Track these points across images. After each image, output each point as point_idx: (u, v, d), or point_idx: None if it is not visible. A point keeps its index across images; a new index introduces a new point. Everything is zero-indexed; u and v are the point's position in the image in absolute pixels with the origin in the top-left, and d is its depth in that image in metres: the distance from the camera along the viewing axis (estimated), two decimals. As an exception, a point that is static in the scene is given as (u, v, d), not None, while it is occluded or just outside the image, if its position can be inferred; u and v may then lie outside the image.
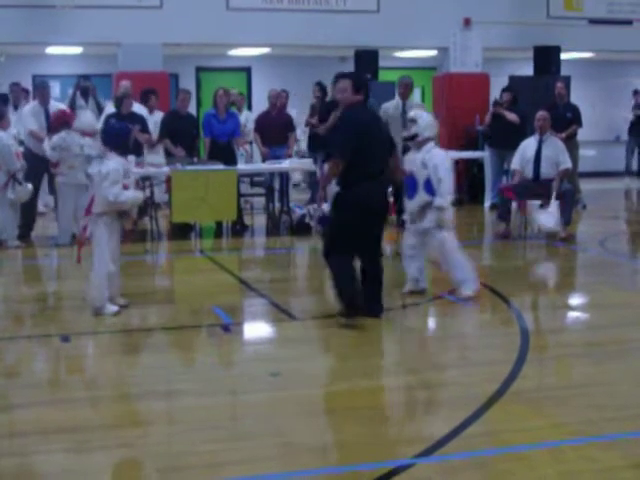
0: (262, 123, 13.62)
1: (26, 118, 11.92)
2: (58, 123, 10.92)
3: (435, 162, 7.62)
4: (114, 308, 7.34)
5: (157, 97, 13.46)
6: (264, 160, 13.39)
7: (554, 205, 10.75)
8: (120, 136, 7.49)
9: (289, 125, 13.81)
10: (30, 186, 10.86)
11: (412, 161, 7.76)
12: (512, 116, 14.06)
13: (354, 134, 6.79)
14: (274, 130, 13.47)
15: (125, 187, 7.28)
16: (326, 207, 12.23)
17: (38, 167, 11.37)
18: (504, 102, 14.38)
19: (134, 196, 7.38)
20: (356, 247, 7.00)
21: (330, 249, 7.04)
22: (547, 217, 10.77)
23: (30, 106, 12.22)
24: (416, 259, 7.95)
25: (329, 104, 12.75)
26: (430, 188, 7.62)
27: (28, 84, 16.52)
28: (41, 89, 12.12)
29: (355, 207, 6.87)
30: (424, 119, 7.78)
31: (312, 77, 14.95)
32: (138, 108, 12.64)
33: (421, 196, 7.70)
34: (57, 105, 12.12)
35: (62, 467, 4.30)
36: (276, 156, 13.08)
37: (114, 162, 7.37)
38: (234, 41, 16.31)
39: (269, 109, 13.71)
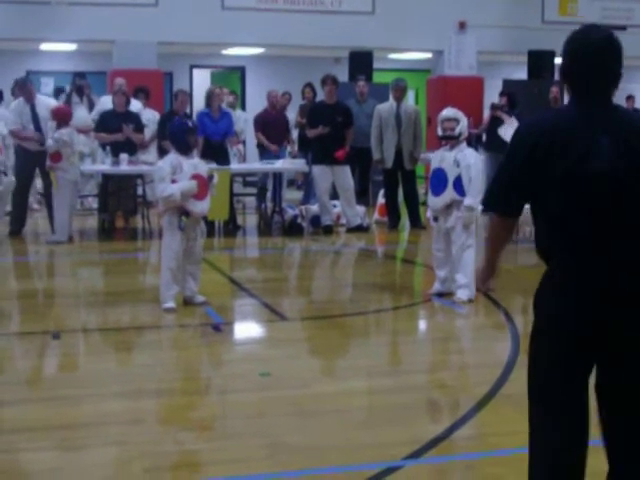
0: (263, 122, 13.56)
1: (9, 117, 11.60)
2: (60, 119, 10.82)
3: (469, 162, 7.62)
4: (167, 305, 7.35)
5: (147, 95, 13.43)
6: (260, 157, 13.35)
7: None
8: (177, 134, 7.47)
9: (287, 126, 13.80)
10: (13, 178, 10.70)
11: (441, 158, 7.76)
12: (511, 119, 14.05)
13: (521, 167, 3.20)
14: (273, 130, 13.43)
15: (174, 183, 7.27)
16: (316, 207, 12.30)
17: (29, 162, 11.29)
18: (502, 105, 14.38)
19: (178, 187, 7.20)
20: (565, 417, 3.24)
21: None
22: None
23: (15, 103, 11.87)
24: (445, 261, 7.91)
25: (318, 105, 12.73)
26: (460, 187, 7.62)
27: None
28: (23, 86, 11.69)
29: (543, 334, 3.29)
30: (463, 119, 7.80)
31: (306, 78, 14.95)
32: (135, 105, 12.61)
33: (449, 194, 7.68)
34: (48, 100, 11.96)
35: (49, 465, 4.28)
36: (276, 157, 13.05)
37: (163, 161, 7.54)
38: (229, 40, 16.30)
39: (268, 109, 13.65)
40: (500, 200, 3.31)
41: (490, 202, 3.36)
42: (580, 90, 3.25)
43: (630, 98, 19.28)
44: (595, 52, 3.20)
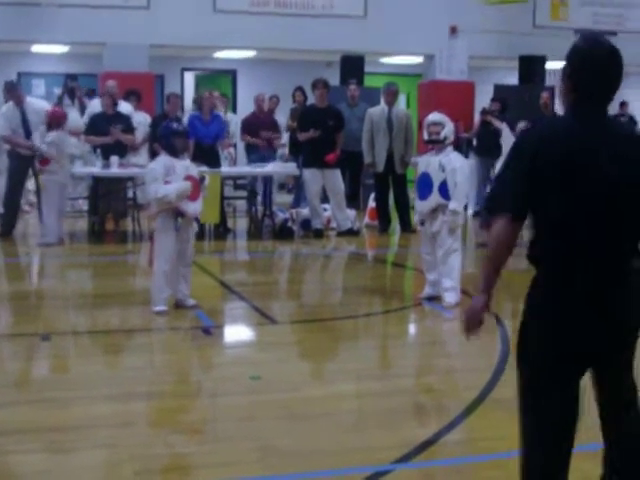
0: (250, 125, 13.56)
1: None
2: (53, 122, 10.78)
3: (454, 166, 7.65)
4: (158, 308, 7.34)
5: (138, 98, 13.42)
6: (248, 159, 13.34)
7: None
8: (166, 137, 7.45)
9: (275, 129, 13.80)
10: None
11: (427, 163, 7.78)
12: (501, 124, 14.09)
13: (522, 176, 3.22)
14: (261, 133, 13.43)
15: (167, 184, 7.24)
16: (306, 211, 12.30)
17: (21, 164, 11.26)
18: (493, 110, 14.42)
19: (174, 188, 7.20)
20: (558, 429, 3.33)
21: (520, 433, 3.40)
22: None
23: (5, 107, 11.66)
24: (434, 264, 7.91)
25: (309, 109, 12.73)
26: (445, 191, 7.63)
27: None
28: (12, 90, 11.56)
29: (540, 348, 3.35)
30: (449, 123, 7.82)
31: (297, 81, 14.96)
32: (125, 107, 12.60)
33: (435, 198, 7.69)
34: (39, 102, 11.87)
35: (38, 467, 4.27)
36: (263, 158, 13.05)
37: (155, 162, 7.57)
38: (220, 43, 16.31)
39: (256, 112, 13.67)
40: (506, 200, 3.27)
41: (496, 204, 3.31)
42: (582, 99, 3.29)
43: (624, 104, 19.35)
44: (601, 66, 3.25)
